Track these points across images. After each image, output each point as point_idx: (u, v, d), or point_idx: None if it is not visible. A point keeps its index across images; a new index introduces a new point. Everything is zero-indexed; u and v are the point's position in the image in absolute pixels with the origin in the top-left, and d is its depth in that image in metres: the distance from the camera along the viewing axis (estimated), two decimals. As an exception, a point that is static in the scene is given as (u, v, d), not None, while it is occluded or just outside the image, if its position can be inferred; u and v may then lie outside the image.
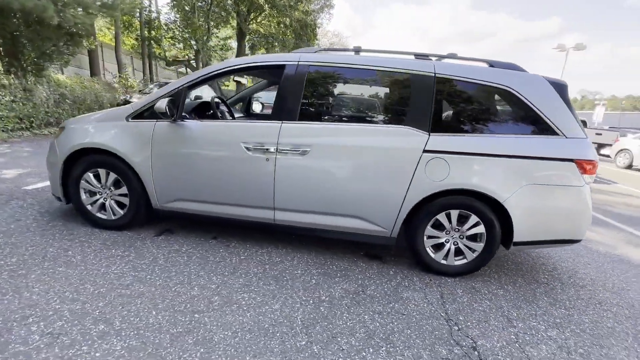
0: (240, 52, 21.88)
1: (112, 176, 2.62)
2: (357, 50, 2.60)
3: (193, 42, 14.94)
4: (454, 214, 2.36)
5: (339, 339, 1.73)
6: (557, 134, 2.27)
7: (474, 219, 2.35)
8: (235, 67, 2.54)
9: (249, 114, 4.10)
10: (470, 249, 2.43)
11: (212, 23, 15.86)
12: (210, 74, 2.53)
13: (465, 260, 2.45)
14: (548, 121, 2.28)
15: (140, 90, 9.89)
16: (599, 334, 2.00)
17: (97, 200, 2.71)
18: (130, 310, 1.80)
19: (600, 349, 1.86)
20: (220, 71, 2.53)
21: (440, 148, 2.27)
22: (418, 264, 2.57)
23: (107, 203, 2.71)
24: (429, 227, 2.41)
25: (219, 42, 20.38)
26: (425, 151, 2.27)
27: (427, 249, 2.46)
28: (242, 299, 1.99)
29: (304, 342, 1.68)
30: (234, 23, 19.65)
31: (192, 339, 1.63)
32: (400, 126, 2.33)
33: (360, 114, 2.54)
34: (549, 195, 2.28)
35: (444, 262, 2.47)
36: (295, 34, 22.72)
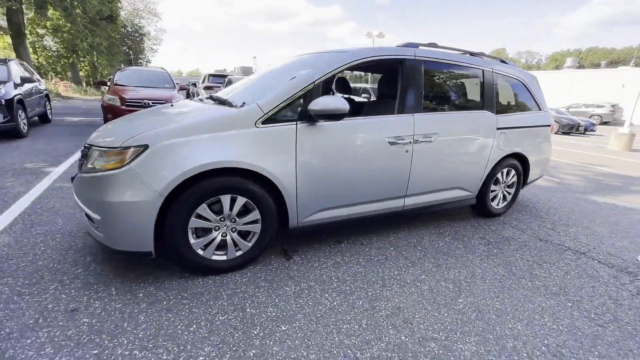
0: (15, 14, 15.08)
1: (241, 201, 1.98)
2: (434, 45, 2.96)
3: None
4: (504, 171, 3.31)
5: (537, 280, 2.34)
6: (541, 110, 3.56)
7: (512, 172, 3.38)
8: (359, 61, 2.35)
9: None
10: (509, 193, 3.48)
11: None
12: (339, 68, 2.26)
13: (506, 202, 3.50)
14: (538, 101, 3.51)
15: None
16: (599, 231, 3.33)
17: (214, 239, 1.98)
18: (478, 327, 1.73)
19: (609, 239, 3.20)
20: (346, 66, 2.30)
21: (504, 125, 3.10)
22: (480, 213, 3.42)
23: (228, 238, 2.03)
24: (492, 184, 3.27)
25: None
26: (497, 128, 3.04)
27: (490, 200, 3.34)
28: (456, 278, 2.22)
29: (529, 289, 2.19)
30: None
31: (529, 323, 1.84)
32: (483, 111, 2.98)
33: (457, 102, 2.98)
34: (541, 148, 3.58)
35: (497, 207, 3.43)
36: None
